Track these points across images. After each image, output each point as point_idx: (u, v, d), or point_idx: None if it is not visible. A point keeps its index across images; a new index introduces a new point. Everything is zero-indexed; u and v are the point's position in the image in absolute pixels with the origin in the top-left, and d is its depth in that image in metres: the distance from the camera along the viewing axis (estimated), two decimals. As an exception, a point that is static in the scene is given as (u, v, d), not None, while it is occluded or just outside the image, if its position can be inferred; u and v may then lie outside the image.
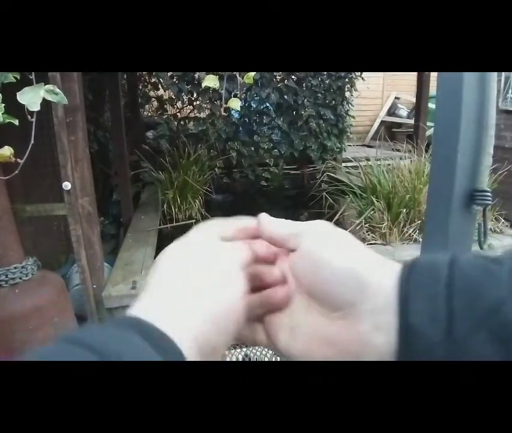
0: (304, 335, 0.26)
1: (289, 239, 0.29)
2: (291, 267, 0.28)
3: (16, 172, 1.31)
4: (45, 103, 1.27)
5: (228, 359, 0.70)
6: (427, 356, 0.21)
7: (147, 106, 4.91)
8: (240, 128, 4.79)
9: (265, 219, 0.30)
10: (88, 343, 0.18)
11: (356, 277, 0.24)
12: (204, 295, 0.25)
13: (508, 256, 0.21)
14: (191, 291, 0.24)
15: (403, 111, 7.66)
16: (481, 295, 0.20)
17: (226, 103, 1.84)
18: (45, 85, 1.24)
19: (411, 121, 6.26)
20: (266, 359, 0.71)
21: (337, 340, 0.25)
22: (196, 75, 4.18)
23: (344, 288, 0.24)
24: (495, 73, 0.72)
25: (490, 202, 0.72)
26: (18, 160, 1.28)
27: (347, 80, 4.96)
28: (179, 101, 4.63)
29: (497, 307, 0.19)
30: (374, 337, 0.23)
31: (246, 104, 4.76)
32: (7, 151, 1.24)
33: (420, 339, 0.21)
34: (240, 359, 0.71)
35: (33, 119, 1.28)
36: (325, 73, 4.72)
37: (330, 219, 3.46)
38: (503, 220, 3.21)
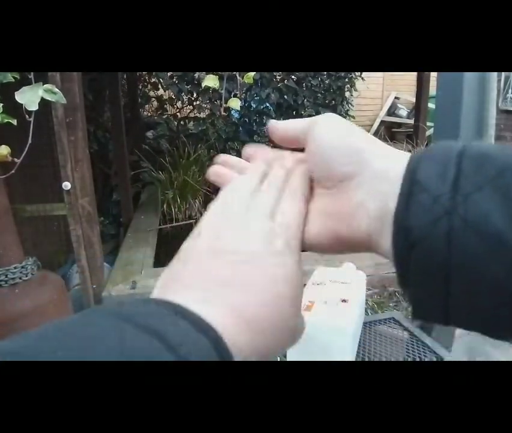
0: (313, 221, 0.27)
1: (301, 133, 0.28)
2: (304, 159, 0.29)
3: (13, 171, 1.31)
4: (45, 103, 1.28)
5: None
6: (429, 209, 0.20)
7: (147, 106, 4.92)
8: (240, 128, 4.80)
9: (274, 123, 0.30)
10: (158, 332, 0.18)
11: (357, 151, 0.25)
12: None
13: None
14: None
15: (403, 111, 7.66)
16: (488, 159, 0.20)
17: (226, 103, 1.84)
18: (44, 84, 1.24)
19: (411, 121, 6.27)
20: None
21: (333, 209, 0.25)
22: (196, 75, 4.18)
23: (343, 160, 0.25)
24: (495, 73, 0.72)
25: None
26: (16, 159, 1.28)
27: (346, 80, 4.97)
28: (179, 101, 4.63)
29: (503, 170, 0.20)
30: (367, 203, 0.23)
31: (246, 104, 4.76)
32: (4, 150, 1.24)
33: (425, 191, 0.20)
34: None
35: (32, 119, 1.28)
36: (325, 73, 4.72)
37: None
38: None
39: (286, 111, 4.81)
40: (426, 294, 0.21)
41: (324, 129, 0.27)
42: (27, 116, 1.25)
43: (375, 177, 0.23)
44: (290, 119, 0.29)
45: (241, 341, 0.21)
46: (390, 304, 2.50)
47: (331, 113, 0.28)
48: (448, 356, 0.74)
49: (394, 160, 0.24)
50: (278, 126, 0.30)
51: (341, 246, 0.26)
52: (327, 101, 4.90)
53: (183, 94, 4.35)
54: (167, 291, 0.23)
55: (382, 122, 7.49)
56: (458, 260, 0.20)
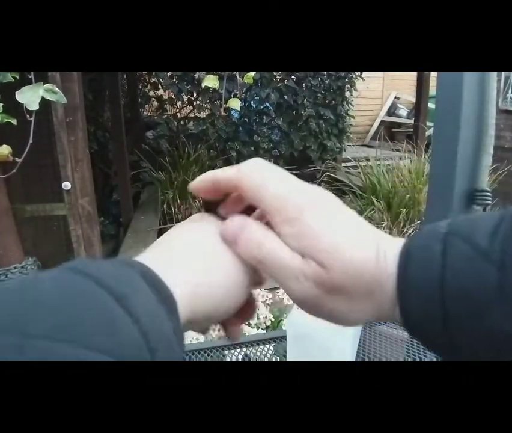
0: None
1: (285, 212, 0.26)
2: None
3: (14, 171, 1.32)
4: (45, 103, 1.27)
5: (227, 359, 0.70)
6: (433, 348, 0.23)
7: (147, 106, 4.91)
8: (240, 128, 4.79)
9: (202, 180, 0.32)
10: (93, 274, 0.18)
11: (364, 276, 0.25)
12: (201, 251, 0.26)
13: (496, 245, 0.21)
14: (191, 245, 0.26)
15: (403, 111, 7.66)
16: (470, 299, 0.21)
17: (226, 103, 1.84)
18: (44, 84, 1.24)
19: (411, 121, 6.27)
20: (266, 359, 0.71)
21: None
22: (196, 75, 4.18)
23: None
24: (495, 73, 0.72)
25: (490, 202, 0.72)
26: (17, 159, 1.28)
27: (346, 80, 4.96)
28: (179, 101, 4.63)
29: (485, 311, 0.20)
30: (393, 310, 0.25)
31: (246, 104, 4.76)
32: (5, 150, 1.24)
33: (422, 333, 0.23)
34: (240, 359, 0.70)
35: (32, 119, 1.28)
36: (325, 73, 4.72)
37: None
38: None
39: (286, 111, 4.80)
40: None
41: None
42: (27, 116, 1.25)
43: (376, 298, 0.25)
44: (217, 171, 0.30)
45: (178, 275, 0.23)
46: (390, 304, 2.50)
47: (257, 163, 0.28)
48: (448, 356, 0.74)
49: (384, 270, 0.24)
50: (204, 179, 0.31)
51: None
52: (327, 101, 4.89)
53: (183, 94, 4.35)
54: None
55: (382, 122, 7.49)
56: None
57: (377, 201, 3.19)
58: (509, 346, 0.20)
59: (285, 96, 4.69)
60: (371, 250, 0.24)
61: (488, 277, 0.20)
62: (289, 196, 0.25)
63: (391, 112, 7.73)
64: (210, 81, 1.55)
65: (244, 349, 0.73)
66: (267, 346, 0.74)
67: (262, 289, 1.90)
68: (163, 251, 0.25)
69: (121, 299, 0.18)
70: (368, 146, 6.85)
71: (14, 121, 1.24)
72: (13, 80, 1.22)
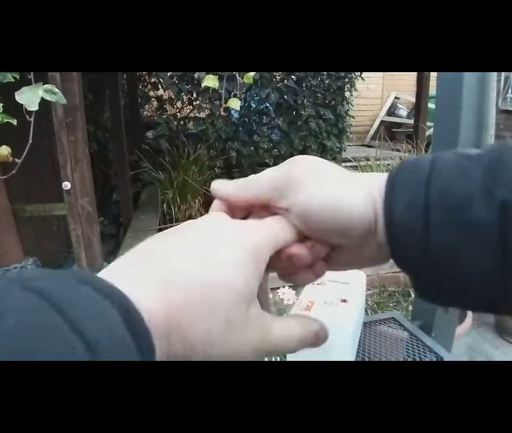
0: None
1: (274, 197, 0.26)
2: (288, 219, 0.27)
3: (14, 171, 1.32)
4: (45, 103, 1.27)
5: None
6: (412, 249, 0.24)
7: (147, 106, 4.91)
8: (240, 128, 4.79)
9: (225, 187, 0.29)
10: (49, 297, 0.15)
11: (350, 228, 0.25)
12: (185, 259, 0.21)
13: (484, 155, 0.23)
14: (166, 254, 0.21)
15: (403, 111, 7.66)
16: (452, 193, 0.22)
17: (226, 103, 1.84)
18: (44, 84, 1.24)
19: (411, 121, 6.26)
20: (266, 359, 0.71)
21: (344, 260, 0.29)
22: (196, 75, 4.18)
23: (338, 232, 0.26)
24: (495, 73, 0.72)
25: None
26: (16, 160, 1.28)
27: (346, 80, 4.96)
28: (179, 101, 4.63)
29: (466, 203, 0.21)
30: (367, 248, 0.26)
31: (246, 104, 4.76)
32: (5, 150, 1.24)
33: (405, 234, 0.24)
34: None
35: (32, 119, 1.28)
36: (325, 73, 4.72)
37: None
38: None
39: (286, 111, 4.80)
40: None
41: (311, 197, 0.25)
42: (27, 116, 1.25)
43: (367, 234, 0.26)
44: (250, 181, 0.28)
45: (160, 315, 0.19)
46: (390, 304, 2.50)
47: (304, 159, 0.27)
48: (448, 356, 0.74)
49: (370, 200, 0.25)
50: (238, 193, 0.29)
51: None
52: (327, 101, 4.89)
53: (183, 94, 4.35)
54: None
55: (382, 122, 7.48)
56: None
57: (377, 201, 3.18)
58: (484, 236, 0.21)
59: (285, 96, 4.68)
60: (362, 191, 0.26)
61: (473, 174, 0.22)
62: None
63: (391, 112, 7.72)
64: (210, 81, 1.55)
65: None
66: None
67: (262, 289, 1.89)
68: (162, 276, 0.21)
69: (89, 344, 0.15)
70: (368, 146, 6.85)
71: (14, 121, 1.23)
72: (13, 80, 1.22)
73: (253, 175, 0.28)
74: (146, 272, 0.20)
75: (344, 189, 0.25)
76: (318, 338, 0.26)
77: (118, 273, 0.20)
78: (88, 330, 0.15)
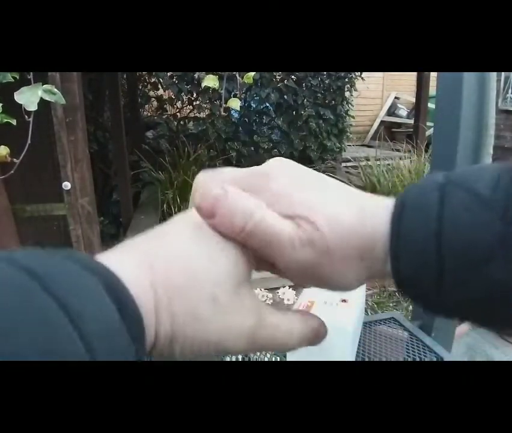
0: None
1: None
2: None
3: (12, 171, 1.32)
4: (45, 103, 1.27)
5: (227, 359, 0.70)
6: (425, 306, 0.22)
7: (147, 106, 4.91)
8: (240, 128, 4.79)
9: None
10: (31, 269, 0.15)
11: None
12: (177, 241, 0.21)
13: (498, 195, 0.20)
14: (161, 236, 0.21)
15: (403, 111, 7.66)
16: (470, 249, 0.19)
17: (226, 103, 1.84)
18: (43, 84, 1.24)
19: (411, 121, 6.27)
20: (266, 359, 0.71)
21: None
22: (196, 75, 4.18)
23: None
24: (495, 73, 0.72)
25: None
26: (15, 160, 1.28)
27: (346, 80, 4.96)
28: (179, 101, 4.63)
29: (484, 263, 0.19)
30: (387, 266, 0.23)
31: (246, 104, 4.76)
32: (3, 150, 1.24)
33: (414, 286, 0.21)
34: (240, 359, 0.70)
35: (31, 119, 1.28)
36: (325, 73, 4.72)
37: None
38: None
39: (286, 111, 4.80)
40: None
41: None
42: (26, 116, 1.25)
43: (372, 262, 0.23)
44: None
45: (147, 288, 0.19)
46: (390, 304, 2.50)
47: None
48: (448, 356, 0.74)
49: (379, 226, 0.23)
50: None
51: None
52: (327, 101, 4.89)
53: (183, 94, 4.35)
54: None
55: (382, 122, 7.49)
56: None
57: (377, 201, 3.18)
58: (504, 297, 0.19)
59: (285, 96, 4.68)
60: (354, 207, 0.23)
61: (491, 227, 0.19)
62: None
63: (391, 112, 7.72)
64: (210, 81, 1.55)
65: (244, 349, 0.73)
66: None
67: (262, 289, 1.89)
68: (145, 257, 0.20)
69: (75, 320, 0.15)
70: (368, 146, 6.85)
71: (14, 121, 1.23)
72: (13, 80, 1.22)
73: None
74: (131, 249, 0.20)
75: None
76: (318, 335, 0.25)
77: (106, 255, 0.20)
78: (74, 303, 0.15)
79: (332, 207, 0.22)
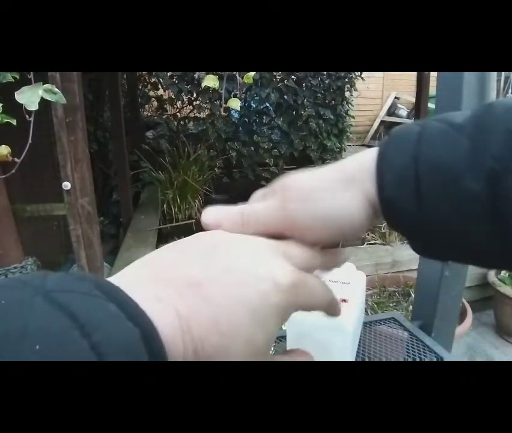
0: None
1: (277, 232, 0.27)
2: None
3: (13, 171, 1.32)
4: (45, 103, 1.27)
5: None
6: (406, 224, 0.24)
7: (147, 106, 4.91)
8: (240, 129, 4.79)
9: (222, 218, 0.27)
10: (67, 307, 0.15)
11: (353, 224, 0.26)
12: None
13: (469, 121, 0.24)
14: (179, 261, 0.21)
15: (403, 111, 7.66)
16: (443, 166, 0.22)
17: (226, 103, 1.84)
18: (44, 84, 1.24)
19: (411, 121, 6.25)
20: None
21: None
22: (196, 75, 4.18)
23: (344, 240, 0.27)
24: (495, 73, 0.72)
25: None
26: (16, 159, 1.28)
27: (346, 80, 4.96)
28: (179, 101, 4.63)
29: (457, 179, 0.22)
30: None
31: (246, 104, 4.76)
32: (4, 150, 1.24)
33: (397, 211, 0.24)
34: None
35: (31, 119, 1.28)
36: (325, 73, 4.72)
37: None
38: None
39: (286, 111, 4.80)
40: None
41: (312, 231, 0.26)
42: (27, 116, 1.25)
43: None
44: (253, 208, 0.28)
45: (179, 344, 0.18)
46: (390, 304, 2.50)
47: (294, 189, 0.27)
48: (448, 356, 0.74)
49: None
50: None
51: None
52: (327, 101, 4.89)
53: (183, 94, 4.35)
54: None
55: (382, 122, 7.49)
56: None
57: (377, 201, 3.19)
58: (475, 207, 0.21)
59: (285, 96, 4.68)
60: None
61: (460, 145, 0.22)
62: None
63: (391, 112, 7.72)
64: (210, 81, 1.55)
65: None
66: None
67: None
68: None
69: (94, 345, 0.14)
70: (368, 146, 6.84)
71: (14, 121, 1.23)
72: (13, 80, 1.22)
73: (244, 207, 0.28)
74: (169, 293, 0.19)
75: (340, 205, 0.26)
76: (335, 308, 0.28)
77: (138, 290, 0.19)
78: (107, 354, 0.15)
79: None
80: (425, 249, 0.25)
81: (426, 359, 0.72)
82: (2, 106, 1.20)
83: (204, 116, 4.61)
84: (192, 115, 4.70)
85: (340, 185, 0.26)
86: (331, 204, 0.26)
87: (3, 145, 1.25)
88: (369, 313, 2.26)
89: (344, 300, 0.65)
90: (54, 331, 0.14)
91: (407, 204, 0.23)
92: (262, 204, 0.28)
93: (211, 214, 0.27)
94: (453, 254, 0.25)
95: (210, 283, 0.20)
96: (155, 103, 4.78)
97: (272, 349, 0.75)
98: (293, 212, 0.26)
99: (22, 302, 0.14)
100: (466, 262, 0.26)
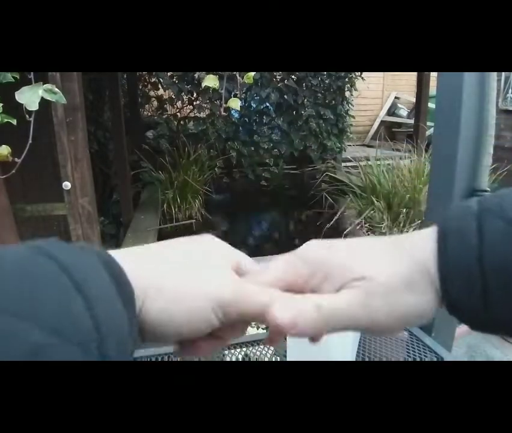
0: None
1: (309, 282, 0.27)
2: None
3: (13, 171, 1.32)
4: (45, 103, 1.27)
5: (227, 359, 0.70)
6: (474, 322, 0.24)
7: (147, 106, 4.92)
8: (240, 128, 4.80)
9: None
10: (55, 256, 0.19)
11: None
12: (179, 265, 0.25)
13: None
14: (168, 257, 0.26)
15: (403, 111, 7.66)
16: (508, 270, 0.22)
17: (226, 103, 1.84)
18: (44, 84, 1.24)
19: (411, 121, 6.27)
20: (266, 359, 0.71)
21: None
22: (196, 75, 4.18)
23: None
24: (495, 73, 0.72)
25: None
26: (16, 159, 1.28)
27: (347, 80, 4.96)
28: (179, 101, 4.63)
29: None
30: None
31: (246, 104, 4.77)
32: (5, 150, 1.24)
33: (463, 309, 0.24)
34: (240, 359, 0.70)
35: (32, 119, 1.28)
36: (325, 72, 4.72)
37: (330, 219, 3.47)
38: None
39: (286, 111, 4.80)
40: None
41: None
42: (27, 116, 1.25)
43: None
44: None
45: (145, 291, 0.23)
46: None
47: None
48: (448, 356, 0.74)
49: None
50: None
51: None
52: (327, 101, 4.90)
53: (183, 94, 4.35)
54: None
55: (382, 122, 7.49)
56: None
57: (377, 201, 3.19)
58: None
59: (285, 96, 4.69)
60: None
61: None
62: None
63: (391, 112, 7.72)
64: (210, 81, 1.55)
65: (244, 349, 0.73)
66: (267, 346, 0.74)
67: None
68: (142, 252, 0.26)
69: (79, 284, 0.18)
70: (368, 146, 6.85)
71: (14, 121, 1.23)
72: (13, 80, 1.22)
73: (319, 302, 0.26)
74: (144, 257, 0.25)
75: (420, 305, 0.26)
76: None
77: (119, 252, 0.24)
78: (87, 287, 0.18)
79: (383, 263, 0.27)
80: (485, 332, 0.26)
81: (426, 359, 0.72)
82: (2, 106, 1.20)
83: (204, 116, 4.62)
84: (192, 115, 4.70)
85: (417, 279, 0.26)
86: (413, 304, 0.26)
87: (3, 146, 1.25)
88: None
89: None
90: (32, 261, 0.18)
91: (474, 304, 0.23)
92: (342, 298, 0.26)
93: (285, 314, 0.24)
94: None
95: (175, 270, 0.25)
96: (155, 103, 4.79)
97: (272, 348, 0.75)
98: (376, 312, 0.26)
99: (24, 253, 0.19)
100: None
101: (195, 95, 4.46)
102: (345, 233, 3.16)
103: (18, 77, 1.24)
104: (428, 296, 0.25)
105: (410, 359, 0.73)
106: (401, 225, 2.94)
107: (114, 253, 0.23)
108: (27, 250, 0.19)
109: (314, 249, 0.28)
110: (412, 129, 5.67)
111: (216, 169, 4.39)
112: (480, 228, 0.24)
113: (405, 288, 0.25)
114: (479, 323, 0.24)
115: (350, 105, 5.24)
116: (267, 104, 4.75)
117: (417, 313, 0.26)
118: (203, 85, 1.59)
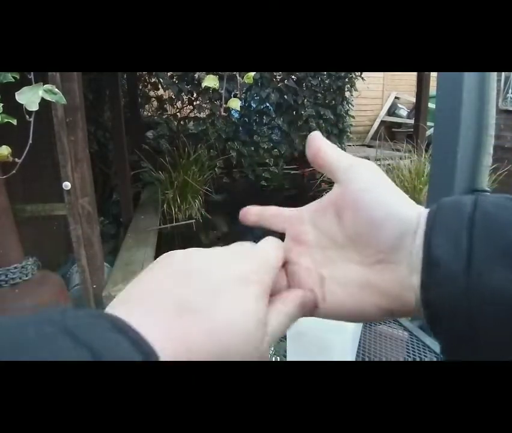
0: (346, 288, 0.26)
1: (338, 169, 0.29)
2: (332, 202, 0.28)
3: (14, 171, 1.32)
4: (45, 103, 1.28)
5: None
6: (449, 289, 0.22)
7: (147, 106, 4.92)
8: (240, 129, 4.80)
9: (318, 144, 0.31)
10: (81, 338, 0.16)
11: (400, 225, 0.25)
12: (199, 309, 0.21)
13: None
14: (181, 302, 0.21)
15: (403, 111, 7.66)
16: (499, 232, 0.21)
17: (226, 103, 1.84)
18: (44, 84, 1.24)
19: (411, 121, 6.27)
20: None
21: (379, 284, 0.25)
22: (196, 75, 4.18)
23: (387, 233, 0.25)
24: (495, 73, 0.72)
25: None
26: (17, 159, 1.28)
27: (347, 80, 4.96)
28: (179, 101, 4.64)
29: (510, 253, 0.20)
30: (411, 279, 0.24)
31: (246, 104, 4.77)
32: (5, 150, 1.24)
33: (442, 270, 0.22)
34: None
35: (32, 119, 1.28)
36: (325, 73, 4.72)
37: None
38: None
39: (286, 111, 4.80)
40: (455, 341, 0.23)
41: (369, 192, 0.27)
42: (27, 116, 1.26)
43: (412, 249, 0.24)
44: (335, 148, 0.31)
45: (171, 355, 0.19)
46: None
47: (367, 164, 0.28)
48: (448, 356, 0.74)
49: (421, 223, 0.24)
50: (322, 149, 0.31)
51: (381, 316, 0.26)
52: (327, 101, 4.90)
53: (183, 94, 4.35)
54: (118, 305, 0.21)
55: (382, 122, 7.49)
56: (480, 330, 0.21)
57: (377, 201, 3.19)
58: None
59: (285, 96, 4.69)
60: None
61: None
62: None
63: (391, 112, 7.73)
64: (210, 81, 1.55)
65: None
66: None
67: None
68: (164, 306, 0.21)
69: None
70: (368, 146, 6.85)
71: (14, 121, 1.23)
72: (13, 80, 1.22)
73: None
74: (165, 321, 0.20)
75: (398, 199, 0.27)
76: (305, 305, 0.28)
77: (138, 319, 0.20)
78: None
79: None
80: (460, 342, 0.22)
81: (426, 359, 0.72)
82: (2, 106, 1.20)
83: (204, 116, 4.62)
84: (192, 115, 4.71)
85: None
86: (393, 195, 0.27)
87: (3, 146, 1.25)
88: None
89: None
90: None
91: (457, 264, 0.21)
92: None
93: None
94: (499, 343, 0.21)
95: (202, 308, 0.21)
96: (155, 103, 4.79)
97: (272, 348, 0.75)
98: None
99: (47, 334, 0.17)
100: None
101: (194, 95, 4.46)
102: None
103: (18, 77, 1.25)
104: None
105: (410, 359, 0.73)
106: (401, 225, 2.94)
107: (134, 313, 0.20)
108: (50, 327, 0.17)
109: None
110: (412, 129, 5.67)
111: (216, 169, 4.39)
112: (475, 201, 0.23)
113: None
114: (457, 291, 0.21)
115: (350, 105, 5.25)
116: (267, 104, 4.75)
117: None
118: (203, 85, 1.59)
